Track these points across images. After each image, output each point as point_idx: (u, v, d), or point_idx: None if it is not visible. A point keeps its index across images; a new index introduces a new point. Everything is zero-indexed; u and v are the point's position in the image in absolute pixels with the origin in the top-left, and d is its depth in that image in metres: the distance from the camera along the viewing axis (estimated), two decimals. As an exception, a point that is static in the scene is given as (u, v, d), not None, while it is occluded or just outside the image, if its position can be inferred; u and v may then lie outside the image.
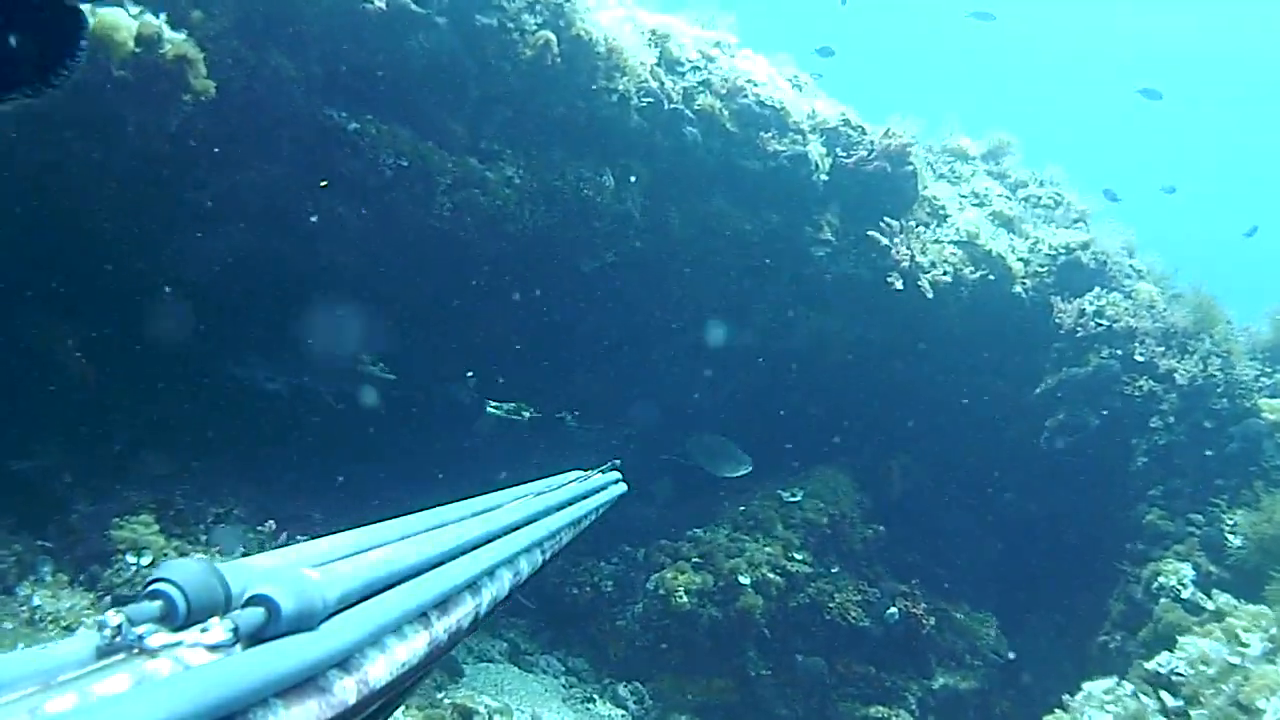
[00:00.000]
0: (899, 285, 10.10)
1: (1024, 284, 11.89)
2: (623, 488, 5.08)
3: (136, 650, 1.14)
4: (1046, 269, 12.11)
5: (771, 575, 9.55)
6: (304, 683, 1.34)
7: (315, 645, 1.38)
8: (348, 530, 1.89)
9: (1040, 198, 13.69)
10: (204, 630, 1.23)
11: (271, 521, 5.63)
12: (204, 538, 5.83)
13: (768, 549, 9.78)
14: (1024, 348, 11.84)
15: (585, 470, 4.15)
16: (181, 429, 7.62)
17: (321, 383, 10.19)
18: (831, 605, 9.68)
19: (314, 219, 7.55)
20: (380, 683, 1.56)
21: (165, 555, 5.40)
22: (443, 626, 1.95)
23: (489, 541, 2.47)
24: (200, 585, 1.27)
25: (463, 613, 2.12)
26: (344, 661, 1.47)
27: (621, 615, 9.99)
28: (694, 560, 9.73)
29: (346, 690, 1.43)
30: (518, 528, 2.75)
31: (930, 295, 10.35)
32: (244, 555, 4.19)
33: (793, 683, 9.56)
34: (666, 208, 9.46)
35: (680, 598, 9.39)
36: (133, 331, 7.86)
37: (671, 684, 9.63)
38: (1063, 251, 12.22)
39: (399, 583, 1.81)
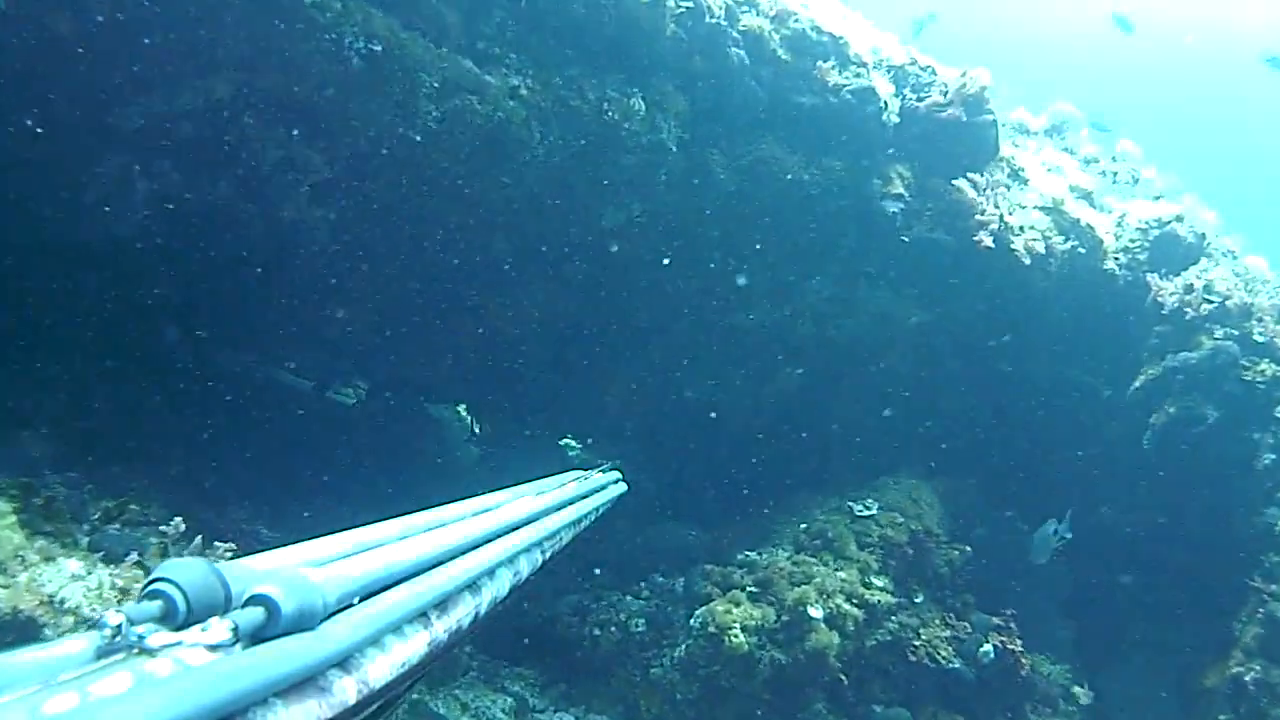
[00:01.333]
0: (988, 243, 8.38)
1: (1116, 259, 10.20)
2: (623, 488, 5.37)
3: (136, 650, 1.16)
4: (1138, 244, 10.42)
5: (847, 607, 7.65)
6: (304, 682, 1.37)
7: (315, 645, 1.41)
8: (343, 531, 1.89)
9: (1116, 173, 12.06)
10: (204, 630, 1.26)
11: (179, 520, 3.91)
12: (85, 539, 4.11)
13: (841, 574, 7.88)
14: (1118, 334, 10.10)
15: (585, 470, 4.39)
16: (80, 410, 5.94)
17: (272, 384, 8.63)
18: (917, 643, 7.82)
19: (260, 147, 5.88)
20: (380, 682, 1.59)
21: (20, 556, 3.70)
22: (443, 626, 2.00)
23: (489, 541, 2.55)
24: (200, 585, 1.31)
25: (462, 612, 2.16)
26: (344, 661, 1.50)
27: (657, 662, 8.00)
28: (749, 590, 7.78)
29: (346, 690, 1.46)
30: (518, 528, 2.88)
31: (1027, 261, 8.64)
32: (139, 562, 3.11)
33: (870, 738, 7.70)
34: (707, 151, 7.76)
35: (735, 637, 7.42)
36: (35, 289, 6.23)
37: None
38: (1155, 225, 10.54)
39: (399, 582, 1.85)
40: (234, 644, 1.27)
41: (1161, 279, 9.97)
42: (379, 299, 7.87)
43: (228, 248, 6.97)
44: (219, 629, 1.25)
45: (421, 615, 1.91)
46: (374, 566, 1.77)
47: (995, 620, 8.28)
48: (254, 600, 1.34)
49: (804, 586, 7.64)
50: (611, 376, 9.26)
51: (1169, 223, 10.52)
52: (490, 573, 2.48)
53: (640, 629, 8.25)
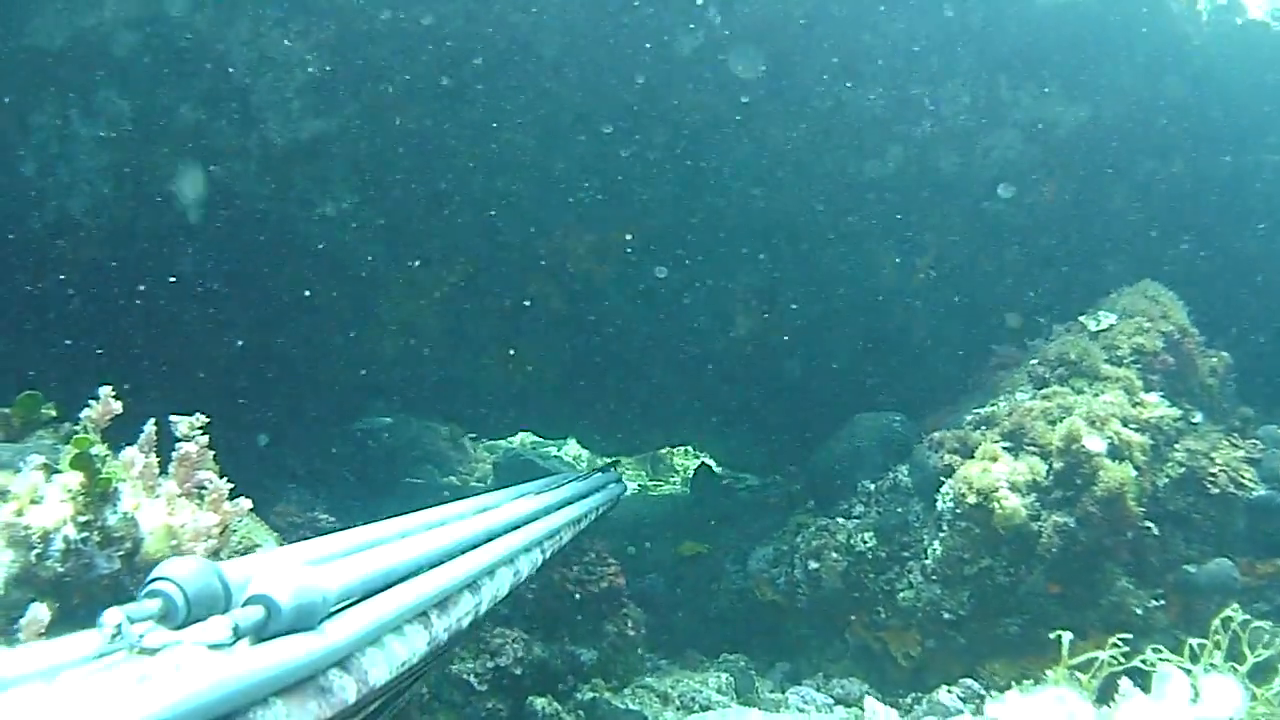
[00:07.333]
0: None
1: (1260, 6, 8.52)
2: (623, 487, 5.69)
3: (136, 650, 1.17)
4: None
5: (1127, 433, 6.15)
6: (304, 681, 1.38)
7: (315, 644, 1.41)
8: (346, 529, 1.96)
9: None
10: (203, 629, 1.26)
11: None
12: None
13: (1104, 397, 6.40)
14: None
15: (585, 470, 4.71)
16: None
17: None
18: (1214, 471, 6.30)
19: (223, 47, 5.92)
20: (380, 681, 1.59)
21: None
22: (442, 625, 2.01)
23: (489, 541, 2.59)
24: (199, 584, 1.32)
25: (462, 611, 2.18)
26: (344, 660, 1.50)
27: (903, 581, 6.59)
28: (1000, 442, 6.35)
29: (346, 689, 1.47)
30: (517, 527, 2.97)
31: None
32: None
33: (1189, 612, 6.02)
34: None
35: (1005, 501, 5.93)
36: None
37: (1008, 668, 6.01)
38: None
39: (399, 581, 1.87)
40: (234, 643, 1.27)
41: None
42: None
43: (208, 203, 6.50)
44: (219, 628, 1.25)
45: (422, 614, 1.92)
46: (374, 566, 1.79)
47: (1280, 430, 6.78)
48: (254, 599, 1.35)
49: (1068, 419, 6.12)
50: (720, 292, 8.44)
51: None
52: (490, 572, 2.48)
53: (869, 544, 6.85)
